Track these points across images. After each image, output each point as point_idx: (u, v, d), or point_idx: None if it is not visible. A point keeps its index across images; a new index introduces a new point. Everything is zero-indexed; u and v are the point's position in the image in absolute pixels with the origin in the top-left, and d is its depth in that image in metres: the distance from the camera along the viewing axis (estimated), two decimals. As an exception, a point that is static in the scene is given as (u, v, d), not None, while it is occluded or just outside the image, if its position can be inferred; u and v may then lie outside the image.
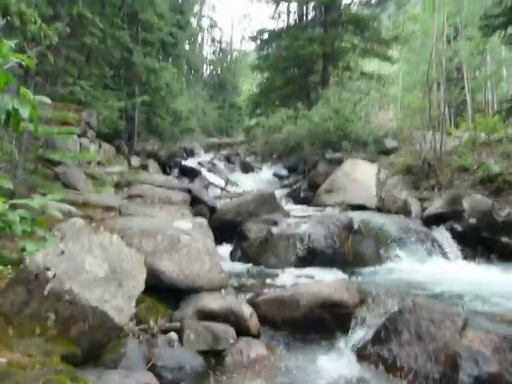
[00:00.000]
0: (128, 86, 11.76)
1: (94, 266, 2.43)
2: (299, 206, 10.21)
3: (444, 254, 6.50)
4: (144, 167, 11.77)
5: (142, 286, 2.67)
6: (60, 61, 7.74)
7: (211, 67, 30.56)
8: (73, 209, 4.86)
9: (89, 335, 2.32)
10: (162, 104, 13.05)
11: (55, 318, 2.26)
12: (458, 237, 6.80)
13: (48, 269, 2.34)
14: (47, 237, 2.75)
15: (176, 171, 13.02)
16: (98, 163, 9.07)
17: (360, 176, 10.12)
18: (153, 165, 12.29)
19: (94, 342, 2.36)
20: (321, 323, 3.49)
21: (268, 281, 4.87)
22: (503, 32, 10.75)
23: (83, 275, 2.38)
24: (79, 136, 8.04)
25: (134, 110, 11.65)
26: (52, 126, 5.29)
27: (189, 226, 4.49)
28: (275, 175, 13.61)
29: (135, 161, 12.13)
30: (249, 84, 32.42)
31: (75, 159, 6.21)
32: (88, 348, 2.34)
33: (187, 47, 23.15)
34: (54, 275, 2.30)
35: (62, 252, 2.49)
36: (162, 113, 13.38)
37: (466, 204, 7.13)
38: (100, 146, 10.12)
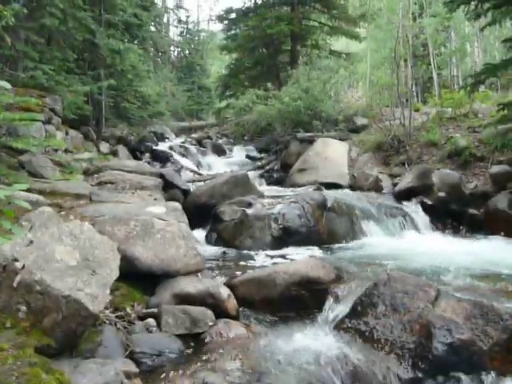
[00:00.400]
0: (93, 70, 11.35)
1: (65, 255, 2.35)
2: (273, 187, 10.24)
3: (415, 228, 6.69)
4: (114, 153, 11.47)
5: (116, 273, 2.61)
6: (19, 44, 7.36)
7: (179, 49, 29.87)
8: (41, 198, 4.69)
9: (63, 325, 2.25)
10: (130, 88, 12.68)
11: (26, 309, 2.19)
12: (428, 210, 7.00)
13: (16, 260, 2.25)
14: (13, 228, 2.65)
15: (147, 156, 12.77)
16: (66, 150, 8.78)
17: (332, 155, 10.21)
18: (123, 150, 11.98)
19: (69, 332, 2.30)
20: (298, 301, 3.53)
21: (244, 262, 4.88)
22: (467, 7, 10.88)
23: (54, 265, 2.30)
24: (44, 123, 7.73)
25: (101, 95, 11.28)
26: (14, 112, 5.06)
27: (162, 211, 4.42)
28: (247, 157, 13.55)
29: (104, 147, 11.81)
30: (218, 66, 31.95)
31: (40, 146, 5.96)
32: (63, 338, 2.28)
33: (153, 29, 22.49)
34: (23, 266, 2.22)
35: (31, 242, 2.40)
36: (129, 97, 13.01)
37: (435, 178, 7.31)
38: (67, 133, 9.77)
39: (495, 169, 7.19)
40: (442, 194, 7.12)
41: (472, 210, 6.94)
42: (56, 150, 7.77)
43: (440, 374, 2.64)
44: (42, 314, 2.22)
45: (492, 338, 2.69)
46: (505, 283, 3.72)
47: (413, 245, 5.89)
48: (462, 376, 2.61)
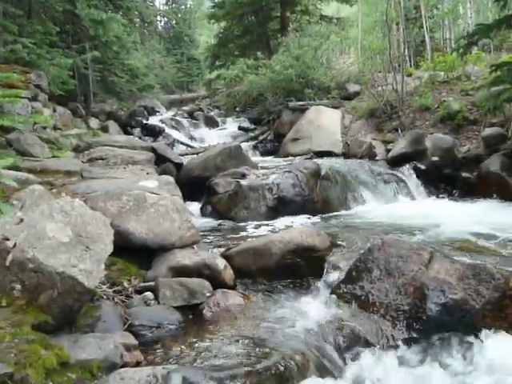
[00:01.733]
0: (77, 43, 11.04)
1: (57, 232, 2.33)
2: (266, 158, 10.21)
3: (409, 193, 6.72)
4: (104, 129, 11.32)
5: (110, 249, 2.60)
6: (-3, 17, 7.11)
7: (165, 19, 29.03)
8: (31, 176, 4.63)
9: (59, 302, 2.25)
10: (116, 60, 12.36)
11: (21, 287, 2.18)
12: (421, 175, 7.02)
13: (7, 238, 2.23)
14: (2, 207, 2.62)
15: (138, 131, 12.64)
16: (55, 128, 8.64)
17: (325, 123, 10.12)
18: (113, 125, 11.83)
19: (66, 308, 2.30)
20: (295, 269, 3.56)
21: (240, 233, 4.90)
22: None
23: (46, 242, 2.28)
24: (30, 100, 7.57)
25: (87, 69, 11.01)
26: (-4, 89, 4.93)
27: (155, 185, 4.39)
28: (240, 128, 13.43)
29: (94, 123, 11.64)
30: (206, 36, 31.19)
31: (26, 123, 5.84)
32: (60, 315, 2.28)
33: (137, -2, 21.73)
34: (15, 244, 2.20)
35: (21, 220, 2.37)
36: (117, 70, 12.71)
37: (428, 143, 7.30)
38: (54, 110, 9.59)
39: (487, 131, 7.17)
40: (435, 158, 7.12)
41: (465, 174, 6.96)
42: (44, 128, 7.64)
43: (434, 333, 2.70)
44: (37, 291, 2.21)
45: (484, 297, 2.74)
46: (497, 244, 3.77)
47: (406, 210, 5.94)
48: (455, 334, 2.67)
